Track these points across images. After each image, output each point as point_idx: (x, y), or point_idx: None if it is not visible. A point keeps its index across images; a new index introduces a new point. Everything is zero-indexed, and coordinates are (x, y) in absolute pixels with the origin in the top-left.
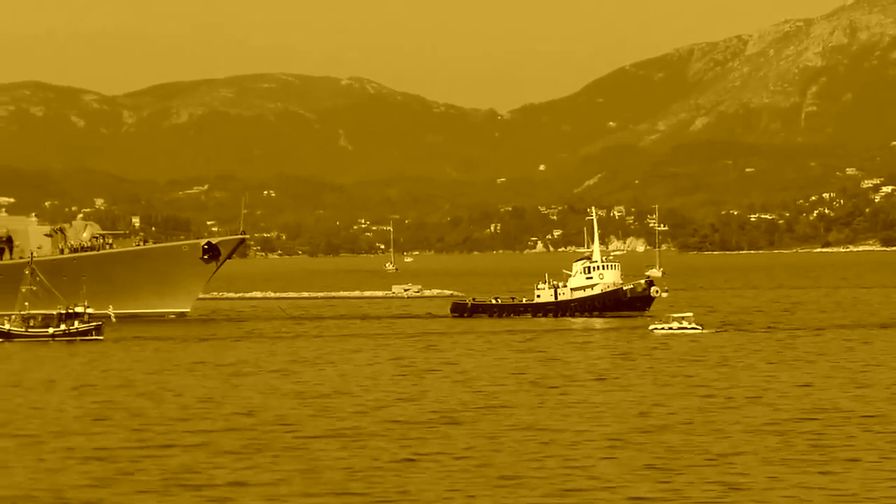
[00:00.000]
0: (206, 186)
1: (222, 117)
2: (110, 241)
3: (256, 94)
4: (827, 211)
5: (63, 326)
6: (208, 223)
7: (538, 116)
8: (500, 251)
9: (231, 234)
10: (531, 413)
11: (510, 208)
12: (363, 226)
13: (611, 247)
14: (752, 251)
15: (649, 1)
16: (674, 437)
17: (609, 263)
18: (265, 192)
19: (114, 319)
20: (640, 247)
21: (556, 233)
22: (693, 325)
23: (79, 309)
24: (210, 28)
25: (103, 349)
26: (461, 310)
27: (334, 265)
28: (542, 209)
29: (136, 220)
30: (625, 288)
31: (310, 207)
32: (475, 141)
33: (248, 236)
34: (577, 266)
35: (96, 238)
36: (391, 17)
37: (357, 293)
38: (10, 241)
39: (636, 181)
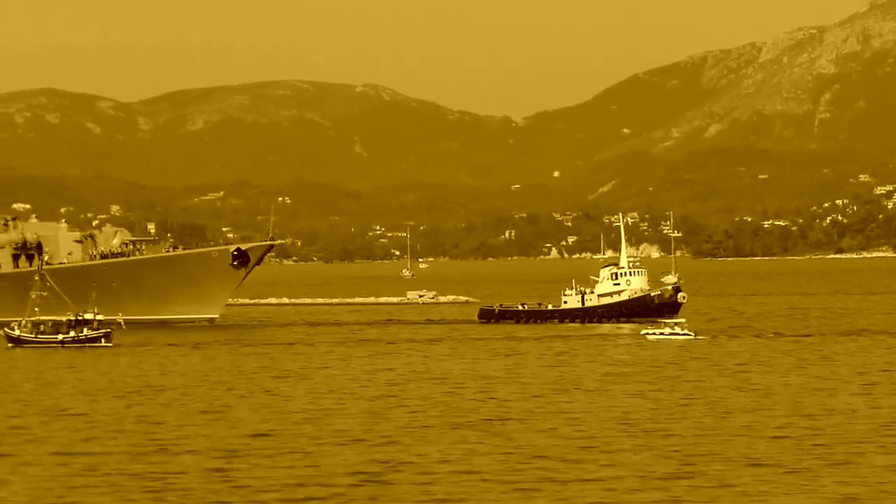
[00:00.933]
0: (221, 193)
1: (237, 124)
2: (142, 247)
3: (271, 100)
4: (840, 217)
5: (72, 333)
6: (224, 229)
7: (552, 123)
8: (515, 257)
9: (260, 241)
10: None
11: (524, 215)
12: (378, 232)
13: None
14: (765, 257)
15: (663, 8)
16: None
17: (636, 269)
18: (280, 199)
19: (123, 326)
20: (654, 253)
21: (571, 239)
22: (686, 332)
23: (88, 315)
24: (225, 35)
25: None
26: (489, 316)
27: (350, 271)
28: (557, 216)
29: (151, 227)
30: (652, 294)
31: (325, 214)
32: (490, 147)
33: (277, 242)
34: (605, 272)
35: (126, 244)
36: (406, 25)
37: (372, 299)
38: (39, 247)
39: (650, 188)
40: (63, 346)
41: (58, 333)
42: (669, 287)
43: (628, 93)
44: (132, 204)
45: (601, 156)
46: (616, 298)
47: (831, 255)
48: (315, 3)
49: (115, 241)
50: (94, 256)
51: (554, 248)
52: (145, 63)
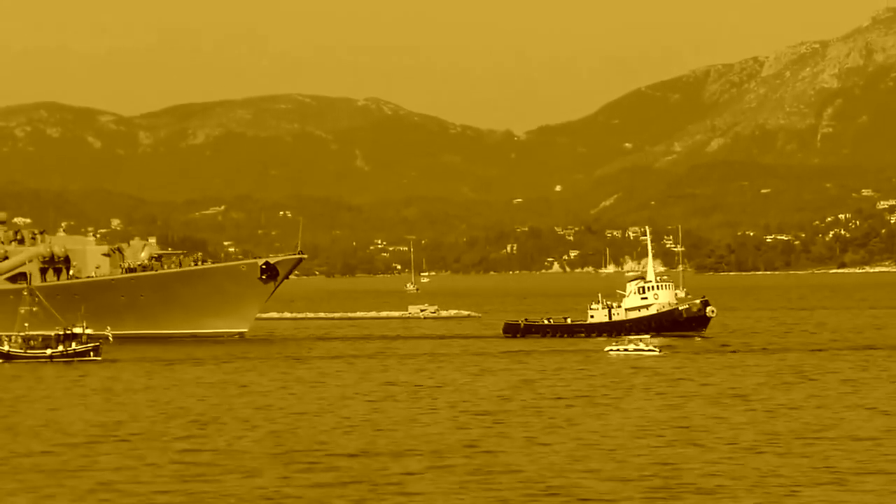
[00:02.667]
0: (222, 207)
1: (239, 138)
2: (170, 261)
3: (273, 114)
4: (843, 232)
5: (61, 347)
6: (225, 244)
7: (554, 137)
8: (517, 272)
9: (289, 255)
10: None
11: (526, 229)
12: (380, 246)
13: (626, 267)
14: (768, 272)
15: (665, 23)
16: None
17: (664, 283)
18: (281, 213)
19: (111, 340)
20: (656, 267)
21: (573, 253)
22: (650, 348)
23: (77, 330)
24: (226, 49)
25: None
26: (514, 330)
27: (353, 286)
28: (559, 230)
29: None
30: (680, 308)
31: (326, 228)
32: (492, 161)
33: (305, 256)
34: (632, 286)
35: (154, 258)
36: (408, 38)
37: (373, 313)
38: (67, 260)
39: (652, 202)
40: (52, 361)
41: (47, 348)
42: (698, 301)
43: (631, 107)
44: (133, 218)
45: (603, 170)
46: (644, 313)
47: (834, 270)
48: (317, 17)
49: (143, 255)
50: (130, 269)
51: (556, 263)
52: (146, 77)
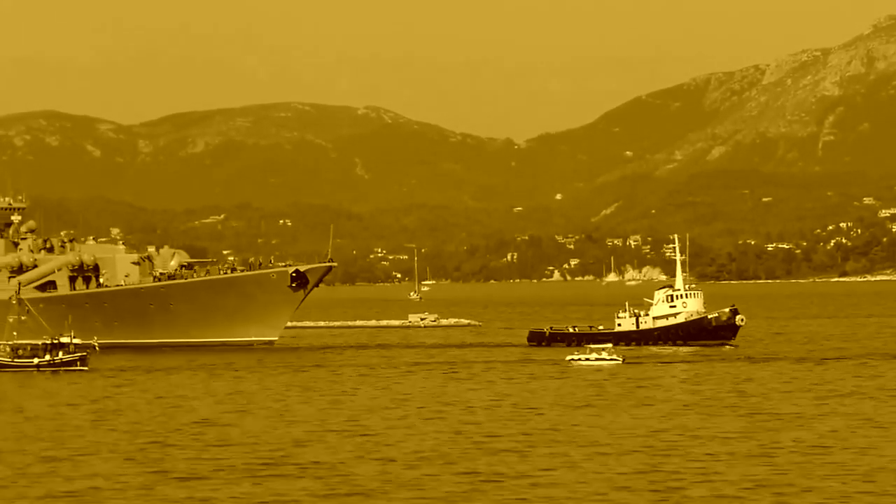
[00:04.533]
0: (222, 216)
1: (238, 146)
2: (200, 269)
3: (272, 123)
4: (844, 240)
5: (48, 357)
6: (225, 252)
7: (555, 145)
8: (517, 280)
9: (319, 263)
10: None
11: (527, 237)
12: (380, 254)
13: (626, 276)
14: (769, 280)
15: (666, 31)
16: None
17: (692, 292)
18: (281, 221)
19: (98, 350)
20: (657, 276)
21: (573, 262)
22: (613, 357)
23: (64, 339)
24: (225, 57)
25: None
26: (538, 338)
27: (355, 294)
28: (559, 238)
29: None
30: (709, 316)
31: (326, 236)
32: (492, 170)
33: (336, 264)
34: (660, 294)
35: (184, 266)
36: (407, 47)
37: (374, 322)
38: (97, 268)
39: (653, 210)
40: (38, 370)
41: (34, 357)
42: (727, 309)
43: (631, 115)
44: (133, 227)
45: (604, 178)
46: (672, 321)
47: (835, 279)
48: (316, 25)
49: (173, 263)
50: (161, 278)
51: (556, 271)
52: (146, 85)
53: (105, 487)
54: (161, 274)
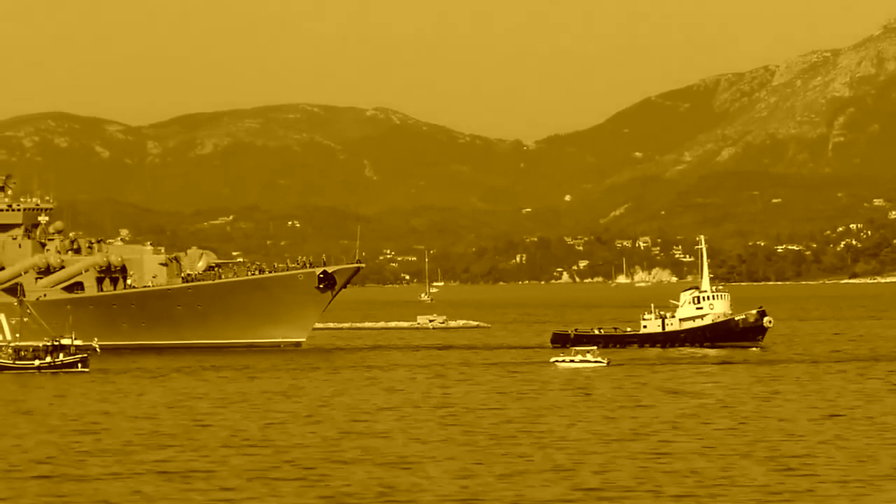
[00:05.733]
0: (231, 217)
1: (247, 148)
2: (228, 270)
3: (281, 124)
4: (854, 242)
5: (49, 358)
6: (234, 254)
7: (564, 147)
8: (526, 282)
9: (347, 264)
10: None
11: (535, 239)
12: (388, 256)
13: (636, 277)
14: (779, 282)
15: (675, 31)
16: None
17: (719, 293)
18: (290, 223)
19: (98, 351)
20: (666, 278)
21: (582, 263)
22: (597, 359)
23: (65, 341)
24: (234, 58)
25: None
26: (563, 340)
27: (365, 296)
28: (568, 240)
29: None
30: (736, 318)
31: (335, 238)
32: (501, 171)
33: (364, 265)
34: (686, 296)
35: (212, 267)
36: (416, 48)
37: (382, 324)
38: (124, 270)
39: (662, 212)
40: (39, 372)
41: (36, 359)
42: (754, 311)
43: (640, 116)
44: (141, 228)
45: (613, 179)
46: (699, 323)
47: (845, 280)
48: (325, 26)
49: (201, 264)
50: (188, 278)
51: (565, 273)
52: (154, 86)
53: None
54: (189, 275)
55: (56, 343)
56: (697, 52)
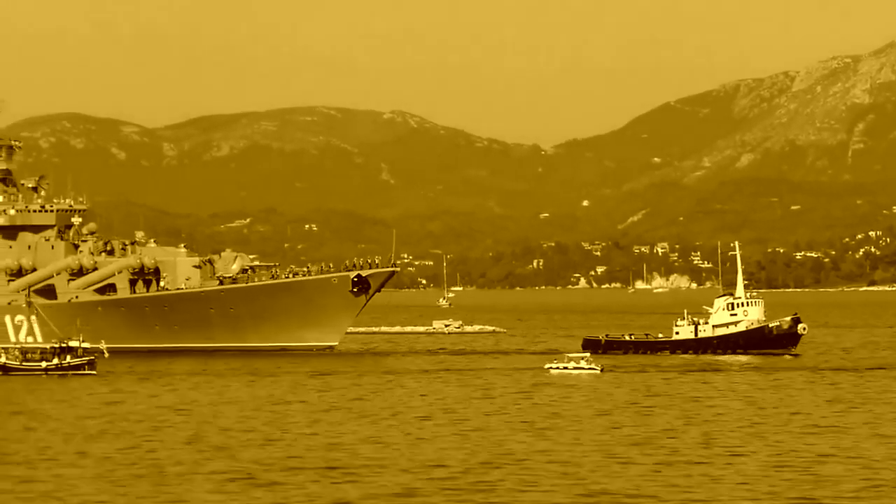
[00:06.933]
0: (247, 220)
1: (264, 150)
2: (261, 273)
3: (298, 127)
4: (873, 249)
5: (56, 361)
6: (250, 257)
7: (582, 152)
8: (543, 287)
9: (381, 268)
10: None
11: (553, 244)
12: (405, 260)
13: (654, 283)
14: (797, 289)
15: (695, 36)
16: None
17: (753, 300)
18: (307, 226)
19: (106, 355)
20: (684, 284)
21: (600, 269)
22: (591, 366)
23: (73, 343)
24: (251, 60)
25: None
26: (594, 346)
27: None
28: (586, 245)
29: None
30: (770, 325)
31: (352, 241)
32: (518, 176)
33: (398, 269)
34: (720, 302)
35: (246, 270)
36: (434, 51)
37: (398, 328)
38: (157, 272)
39: (680, 218)
40: (47, 374)
41: (43, 361)
42: (788, 318)
43: (659, 121)
44: (158, 231)
45: (631, 185)
46: (732, 329)
47: (864, 288)
48: (343, 28)
49: (234, 267)
50: (224, 281)
51: (582, 278)
52: (171, 88)
53: None
54: (222, 277)
55: (64, 345)
56: (717, 57)
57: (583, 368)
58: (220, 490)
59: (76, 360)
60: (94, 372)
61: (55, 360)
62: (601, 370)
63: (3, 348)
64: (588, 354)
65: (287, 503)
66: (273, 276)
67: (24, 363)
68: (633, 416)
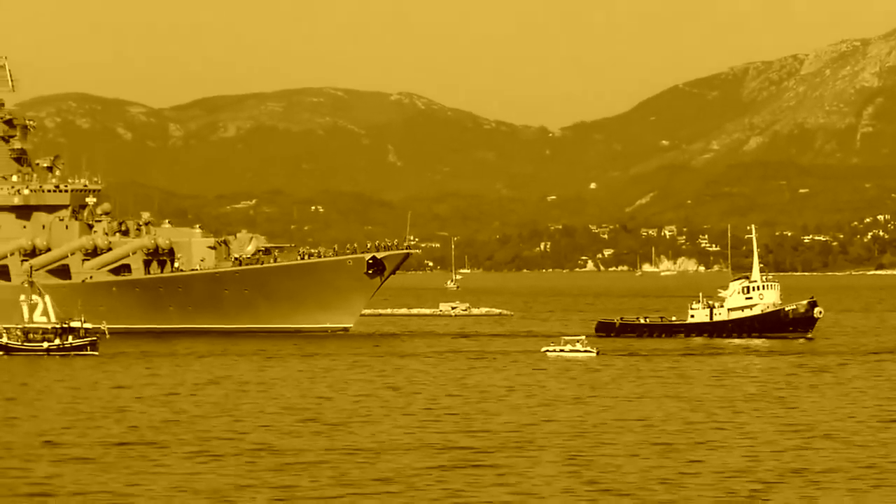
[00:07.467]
0: (254, 201)
1: (270, 131)
2: (276, 254)
3: (305, 108)
4: (881, 233)
5: (58, 341)
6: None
7: (590, 134)
8: (550, 270)
9: (396, 250)
10: None
11: (560, 226)
12: (412, 242)
13: (661, 266)
14: (805, 273)
15: (704, 19)
16: None
17: (769, 283)
18: (313, 208)
19: (108, 336)
20: (692, 267)
21: (607, 252)
22: (587, 349)
23: (75, 324)
24: (258, 41)
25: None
26: (608, 329)
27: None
28: (593, 228)
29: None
30: (786, 308)
31: (358, 223)
32: (526, 158)
33: (413, 251)
34: (735, 285)
35: (261, 251)
36: (441, 33)
37: (404, 310)
38: (172, 253)
39: (688, 201)
40: (48, 355)
41: (45, 341)
42: (804, 302)
43: (668, 104)
44: (164, 212)
45: (639, 168)
46: (748, 313)
47: (872, 272)
48: (350, 10)
49: (249, 248)
50: (242, 262)
51: (590, 261)
52: (177, 68)
53: None
54: (237, 259)
55: (65, 325)
56: (726, 40)
57: (579, 351)
58: None
59: (78, 341)
60: (96, 353)
61: (57, 341)
62: (597, 353)
63: (4, 328)
64: (583, 337)
65: None
66: (300, 255)
67: (25, 343)
68: (609, 399)
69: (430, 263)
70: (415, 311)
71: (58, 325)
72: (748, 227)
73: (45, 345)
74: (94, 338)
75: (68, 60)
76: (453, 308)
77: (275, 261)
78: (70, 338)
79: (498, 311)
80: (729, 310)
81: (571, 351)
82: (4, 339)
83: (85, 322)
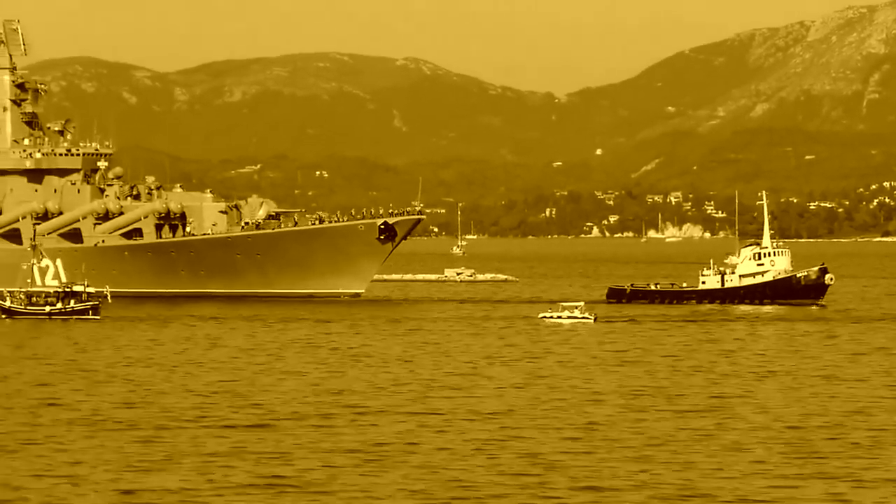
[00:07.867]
0: (258, 166)
1: (275, 96)
2: (288, 219)
3: (310, 73)
4: (887, 200)
5: (59, 305)
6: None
7: (596, 100)
8: (555, 236)
9: (408, 215)
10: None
11: (566, 192)
12: (417, 208)
13: (666, 233)
14: (811, 239)
15: None
16: None
17: (780, 249)
18: (318, 173)
19: (109, 300)
20: (697, 233)
21: (613, 218)
22: (584, 315)
23: (77, 288)
24: (263, 5)
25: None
26: (619, 296)
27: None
28: (599, 194)
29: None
30: (798, 275)
31: (363, 188)
32: (532, 124)
33: (424, 216)
34: (746, 252)
35: (272, 216)
36: None
37: (409, 276)
38: (183, 217)
39: (694, 167)
40: (50, 318)
41: (47, 305)
42: (815, 268)
43: (674, 70)
44: (169, 176)
45: (645, 134)
46: (759, 279)
47: (878, 238)
48: None
49: (261, 213)
50: (248, 227)
51: (595, 227)
52: (182, 32)
53: None
54: (248, 223)
55: (68, 290)
56: (732, 5)
57: (576, 318)
58: None
59: (80, 305)
60: (97, 317)
61: (59, 305)
62: (594, 319)
63: (8, 292)
64: (582, 304)
65: None
66: (312, 221)
67: (28, 307)
68: (595, 369)
69: (436, 229)
70: (419, 276)
71: (60, 290)
72: (758, 194)
73: (48, 308)
74: (96, 302)
75: (75, 24)
76: (459, 274)
77: (294, 224)
78: (72, 302)
79: (504, 276)
80: (740, 276)
81: (569, 318)
82: (8, 303)
83: (88, 286)
